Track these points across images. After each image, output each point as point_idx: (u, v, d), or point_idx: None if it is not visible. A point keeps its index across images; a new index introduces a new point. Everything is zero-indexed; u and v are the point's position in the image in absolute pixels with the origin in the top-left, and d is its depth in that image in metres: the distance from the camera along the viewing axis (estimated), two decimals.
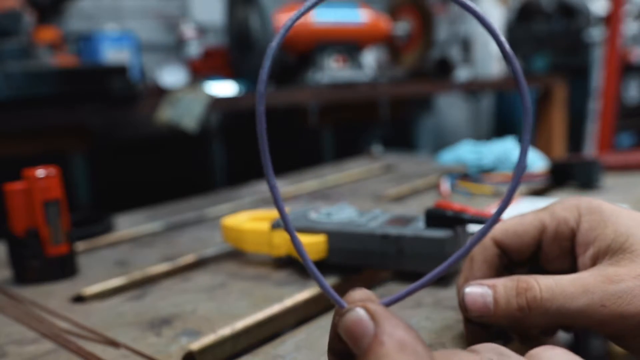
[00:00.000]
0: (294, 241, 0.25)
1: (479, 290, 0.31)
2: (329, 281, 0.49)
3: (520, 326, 0.32)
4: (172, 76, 1.89)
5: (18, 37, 1.31)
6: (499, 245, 0.35)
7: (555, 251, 0.34)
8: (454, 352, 0.23)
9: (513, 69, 0.24)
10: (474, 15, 0.25)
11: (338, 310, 0.24)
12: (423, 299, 0.43)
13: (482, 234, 0.26)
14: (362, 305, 0.22)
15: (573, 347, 0.30)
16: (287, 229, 0.25)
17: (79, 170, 1.43)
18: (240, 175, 1.42)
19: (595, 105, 2.50)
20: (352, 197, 0.81)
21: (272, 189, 0.24)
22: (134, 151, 1.96)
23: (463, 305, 0.32)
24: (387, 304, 0.25)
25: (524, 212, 0.35)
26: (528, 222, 0.34)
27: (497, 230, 0.35)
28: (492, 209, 0.66)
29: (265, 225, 0.53)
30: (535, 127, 2.62)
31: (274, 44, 0.23)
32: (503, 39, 0.25)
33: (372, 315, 0.22)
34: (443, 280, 0.46)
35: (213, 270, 0.54)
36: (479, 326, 0.33)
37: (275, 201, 0.24)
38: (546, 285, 0.29)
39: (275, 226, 0.52)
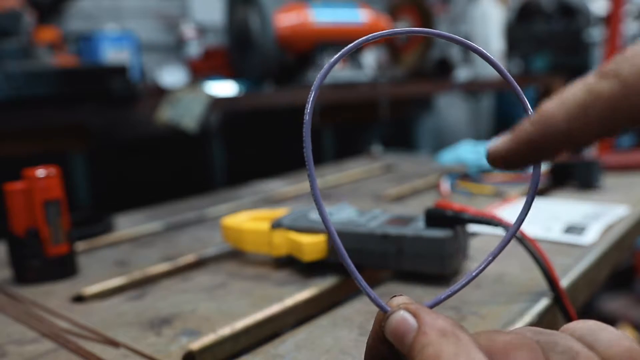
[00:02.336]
0: (336, 244, 0.25)
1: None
2: (329, 281, 0.49)
3: None
4: (172, 76, 1.89)
5: (18, 37, 1.31)
6: None
7: None
8: (496, 332, 0.24)
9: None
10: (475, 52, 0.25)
11: (381, 314, 0.25)
12: (423, 300, 0.43)
13: (509, 239, 0.27)
14: (403, 307, 0.24)
15: None
16: (329, 231, 0.25)
17: (79, 170, 1.43)
18: (240, 175, 1.42)
19: None
20: (352, 197, 0.81)
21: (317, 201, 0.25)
22: (133, 151, 1.96)
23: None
24: (430, 306, 0.27)
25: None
26: None
27: None
28: (492, 209, 0.66)
29: (265, 225, 0.53)
30: None
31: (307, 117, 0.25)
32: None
33: (413, 313, 0.24)
34: (443, 280, 0.46)
35: (213, 270, 0.54)
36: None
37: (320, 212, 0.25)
38: None
39: (275, 226, 0.52)
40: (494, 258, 0.27)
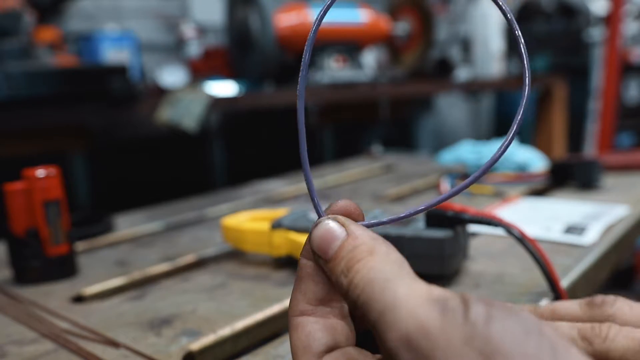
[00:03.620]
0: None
1: None
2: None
3: None
4: (172, 76, 1.89)
5: (18, 37, 1.31)
6: None
7: None
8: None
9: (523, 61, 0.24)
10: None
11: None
12: None
13: (475, 178, 0.26)
14: (331, 217, 0.24)
15: None
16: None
17: (79, 170, 1.43)
18: (240, 175, 1.42)
19: (595, 105, 2.50)
20: (352, 197, 0.81)
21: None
22: (133, 151, 1.96)
23: None
24: (368, 226, 0.25)
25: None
26: None
27: None
28: (492, 209, 0.66)
29: (265, 225, 0.53)
30: (535, 127, 2.62)
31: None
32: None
33: (341, 223, 0.24)
34: (443, 280, 0.46)
35: (213, 270, 0.54)
36: None
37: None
38: None
39: (275, 226, 0.52)
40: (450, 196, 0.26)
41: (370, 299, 0.21)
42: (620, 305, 0.27)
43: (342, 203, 0.25)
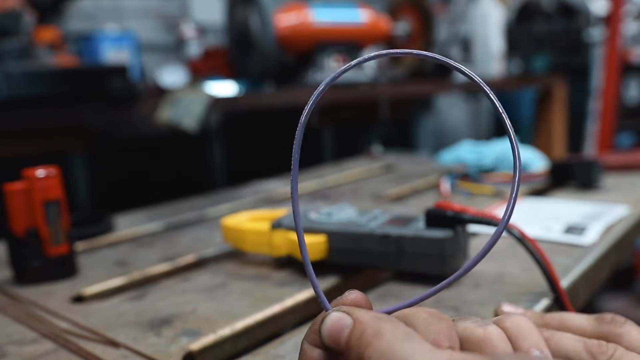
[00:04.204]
0: (299, 238, 0.26)
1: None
2: (329, 281, 0.49)
3: None
4: (172, 76, 1.89)
5: (18, 37, 1.31)
6: None
7: None
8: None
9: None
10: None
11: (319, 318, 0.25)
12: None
13: (493, 243, 0.26)
14: (336, 308, 0.25)
15: None
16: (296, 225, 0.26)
17: (79, 170, 1.43)
18: (240, 175, 1.42)
19: (595, 105, 2.50)
20: (352, 197, 0.81)
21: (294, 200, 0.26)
22: (134, 151, 1.96)
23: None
24: (388, 312, 0.26)
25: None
26: None
27: None
28: (492, 209, 0.66)
29: (265, 225, 0.53)
30: (535, 127, 2.62)
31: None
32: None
33: (347, 312, 0.24)
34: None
35: (213, 270, 0.54)
36: None
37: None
38: None
39: (275, 226, 0.52)
40: (472, 266, 0.26)
41: None
42: (629, 328, 0.27)
43: (352, 296, 0.26)
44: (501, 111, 0.25)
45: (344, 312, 0.24)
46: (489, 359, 0.20)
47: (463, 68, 0.26)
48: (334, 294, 0.48)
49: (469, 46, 2.33)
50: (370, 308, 0.26)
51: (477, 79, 0.25)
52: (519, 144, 0.25)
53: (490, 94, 0.25)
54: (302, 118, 0.26)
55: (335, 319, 0.24)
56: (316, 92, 0.26)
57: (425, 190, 0.83)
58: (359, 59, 0.27)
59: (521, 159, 0.25)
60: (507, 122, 0.25)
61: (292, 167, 0.26)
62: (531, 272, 0.46)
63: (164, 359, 0.36)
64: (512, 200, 0.24)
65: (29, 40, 1.35)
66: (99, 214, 0.71)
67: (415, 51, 0.26)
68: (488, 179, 0.83)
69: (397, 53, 0.27)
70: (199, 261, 0.57)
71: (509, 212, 0.25)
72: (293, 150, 0.26)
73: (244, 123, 2.15)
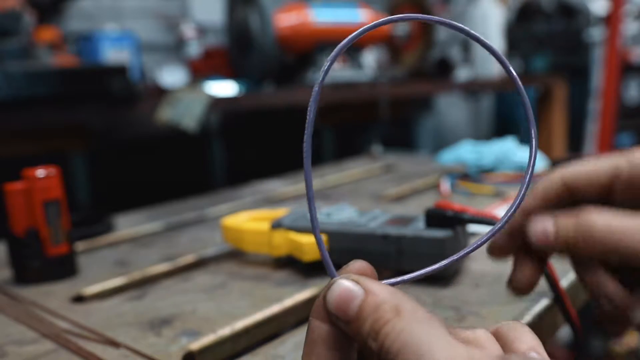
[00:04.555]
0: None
1: (542, 221, 0.32)
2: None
3: (578, 256, 0.32)
4: (172, 76, 1.89)
5: (18, 37, 1.31)
6: (568, 184, 0.34)
7: (628, 198, 0.32)
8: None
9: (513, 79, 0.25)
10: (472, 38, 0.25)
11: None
12: (423, 299, 0.43)
13: (492, 234, 0.26)
14: (344, 275, 0.23)
15: (573, 347, 0.30)
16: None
17: (79, 170, 1.43)
18: (240, 175, 1.42)
19: (595, 105, 2.50)
20: (352, 197, 0.81)
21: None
22: (133, 151, 1.96)
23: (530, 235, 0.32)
24: (391, 285, 0.25)
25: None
26: (601, 165, 0.33)
27: (569, 170, 0.35)
28: (492, 209, 0.66)
29: (265, 225, 0.53)
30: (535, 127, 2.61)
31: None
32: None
33: (356, 281, 0.22)
34: (443, 281, 0.46)
35: (213, 270, 0.54)
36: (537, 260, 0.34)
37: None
38: (605, 219, 0.29)
39: (275, 226, 0.52)
40: (466, 254, 0.26)
41: None
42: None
43: (357, 265, 0.24)
44: (526, 101, 0.25)
45: (353, 281, 0.22)
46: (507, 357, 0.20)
47: (490, 44, 0.25)
48: None
49: (469, 46, 2.33)
50: (376, 279, 0.24)
51: (506, 62, 0.25)
52: (533, 140, 0.25)
53: (517, 82, 0.25)
54: (309, 115, 0.25)
55: (344, 286, 0.22)
56: (324, 68, 0.25)
57: (425, 190, 0.83)
58: (368, 25, 0.25)
59: (534, 157, 0.26)
60: (530, 113, 0.25)
61: (304, 169, 0.25)
62: None
63: (164, 358, 0.36)
64: (521, 195, 0.25)
65: (29, 40, 1.35)
66: (99, 214, 0.71)
67: (435, 18, 0.25)
68: (488, 179, 0.83)
69: (417, 17, 0.25)
70: (198, 261, 0.57)
71: (517, 205, 0.25)
72: (304, 155, 0.25)
73: (244, 123, 2.14)
